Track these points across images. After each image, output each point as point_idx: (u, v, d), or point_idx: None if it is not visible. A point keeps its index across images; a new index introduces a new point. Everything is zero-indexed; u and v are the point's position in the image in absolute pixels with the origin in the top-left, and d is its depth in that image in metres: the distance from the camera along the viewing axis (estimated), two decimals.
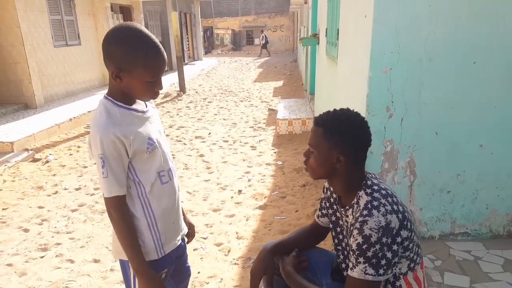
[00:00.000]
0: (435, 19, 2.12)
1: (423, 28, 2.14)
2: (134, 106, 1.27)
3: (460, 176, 2.39)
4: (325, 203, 1.52)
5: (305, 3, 9.32)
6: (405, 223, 1.18)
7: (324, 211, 1.53)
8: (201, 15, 21.76)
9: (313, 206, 3.27)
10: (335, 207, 1.44)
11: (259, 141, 5.51)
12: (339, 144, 1.23)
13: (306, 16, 8.64)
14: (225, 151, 5.07)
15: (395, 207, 1.19)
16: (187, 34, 18.00)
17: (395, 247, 1.16)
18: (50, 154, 5.00)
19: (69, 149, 5.30)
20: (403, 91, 2.23)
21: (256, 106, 8.09)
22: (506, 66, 2.20)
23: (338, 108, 1.30)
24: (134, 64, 1.14)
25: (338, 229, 1.43)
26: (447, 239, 2.52)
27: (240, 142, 5.49)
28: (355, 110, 1.30)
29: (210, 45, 27.43)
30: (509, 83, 2.23)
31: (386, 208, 1.17)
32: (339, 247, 1.44)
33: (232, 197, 3.63)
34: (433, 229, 2.51)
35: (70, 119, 6.34)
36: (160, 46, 1.20)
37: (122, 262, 1.37)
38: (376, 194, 1.22)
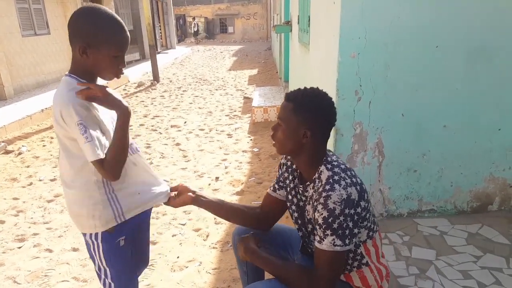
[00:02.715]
0: (398, 4, 2.21)
1: (388, 13, 2.22)
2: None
3: (426, 155, 2.51)
4: (281, 178, 1.57)
5: None
6: (363, 194, 1.27)
7: (281, 184, 1.57)
8: (173, 2, 21.32)
9: None
10: (292, 185, 1.49)
11: (235, 129, 5.56)
12: (307, 120, 1.28)
13: (279, 3, 8.67)
14: (202, 140, 5.10)
15: (353, 179, 1.27)
16: (159, 22, 17.65)
17: (356, 217, 1.24)
18: (22, 145, 4.88)
19: (42, 140, 5.19)
20: (370, 75, 2.32)
21: (232, 95, 8.11)
22: (466, 50, 2.32)
23: (308, 87, 1.37)
24: (102, 39, 1.21)
25: (294, 207, 1.48)
26: (415, 216, 2.64)
27: (216, 130, 5.53)
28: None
29: (183, 34, 26.96)
30: (470, 66, 2.34)
31: (346, 181, 1.24)
32: (298, 224, 1.50)
33: (209, 184, 3.68)
34: (402, 207, 2.63)
35: (42, 110, 6.18)
36: (124, 24, 1.27)
37: (85, 236, 1.38)
38: (336, 169, 1.28)
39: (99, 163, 1.21)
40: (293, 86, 5.46)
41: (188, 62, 14.44)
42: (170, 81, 10.09)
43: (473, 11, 2.26)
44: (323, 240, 1.23)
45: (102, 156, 1.21)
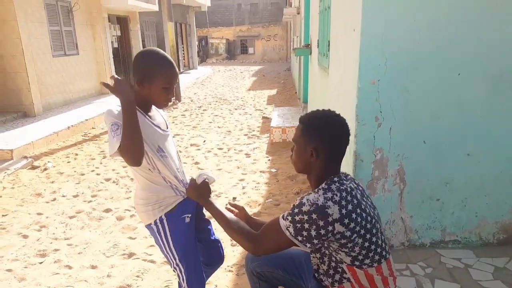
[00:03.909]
0: (419, 31, 2.22)
1: (408, 40, 2.23)
2: (156, 123, 1.61)
3: (449, 184, 2.45)
4: None
5: (298, 13, 9.48)
6: (345, 220, 1.23)
7: None
8: (196, 24, 21.95)
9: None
10: None
11: (254, 148, 5.58)
12: (313, 139, 1.33)
13: (299, 26, 8.78)
14: (220, 159, 5.14)
15: (343, 202, 1.25)
16: (183, 44, 18.16)
17: (323, 231, 1.23)
18: (48, 161, 5.04)
19: (67, 157, 5.35)
20: (390, 101, 2.31)
21: (250, 114, 8.19)
22: (490, 76, 2.29)
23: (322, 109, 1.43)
24: (154, 73, 1.50)
25: None
26: (438, 246, 2.55)
27: (234, 149, 5.56)
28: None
29: (205, 54, 27.62)
30: (494, 93, 2.31)
31: (334, 197, 1.25)
32: (312, 254, 1.48)
33: (226, 205, 3.68)
34: (424, 237, 2.55)
35: (68, 127, 6.39)
36: (173, 62, 1.56)
37: (150, 227, 1.66)
38: (333, 186, 1.29)
39: (112, 156, 1.47)
40: (312, 107, 5.47)
41: (209, 82, 14.73)
42: (191, 100, 10.29)
43: (494, 37, 2.24)
44: (284, 218, 1.30)
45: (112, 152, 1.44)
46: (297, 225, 1.25)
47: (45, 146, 5.75)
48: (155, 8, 12.05)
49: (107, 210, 3.61)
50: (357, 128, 2.35)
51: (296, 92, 10.45)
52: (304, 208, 1.24)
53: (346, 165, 2.59)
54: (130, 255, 2.87)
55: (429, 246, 2.57)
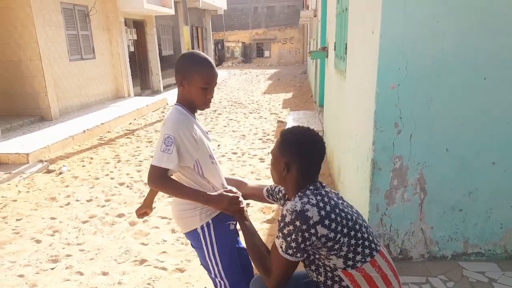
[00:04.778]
0: (443, 34, 2.12)
1: (431, 44, 2.13)
2: (204, 129, 1.70)
3: (472, 194, 2.34)
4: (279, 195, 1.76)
5: (315, 16, 9.40)
6: (326, 221, 1.27)
7: (277, 196, 1.76)
8: (212, 28, 22.10)
9: None
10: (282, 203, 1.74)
11: (268, 153, 5.51)
12: (285, 154, 1.40)
13: (316, 29, 8.70)
14: (234, 163, 5.09)
15: (321, 204, 1.30)
16: (199, 47, 18.28)
17: (306, 235, 1.25)
18: (63, 165, 5.09)
19: (82, 161, 5.39)
20: (411, 107, 2.21)
21: (265, 118, 8.12)
22: None
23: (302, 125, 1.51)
24: (193, 73, 1.55)
25: None
26: (460, 259, 2.45)
27: (249, 154, 5.51)
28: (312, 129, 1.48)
29: (221, 58, 27.76)
30: None
31: (310, 200, 1.30)
32: (307, 268, 1.50)
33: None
34: (445, 249, 2.45)
35: (84, 131, 6.46)
36: (213, 63, 1.61)
37: (190, 235, 1.67)
38: (307, 192, 1.36)
39: (153, 168, 1.50)
40: (328, 111, 5.37)
41: (225, 85, 14.75)
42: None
43: None
44: (277, 238, 1.36)
45: (162, 166, 1.48)
46: (287, 238, 1.29)
47: (61, 150, 5.81)
48: (171, 12, 12.14)
49: (120, 215, 3.60)
50: (375, 134, 2.26)
51: (312, 96, 10.34)
52: (287, 219, 1.28)
53: (363, 173, 2.50)
54: (142, 261, 2.83)
55: (450, 258, 2.46)
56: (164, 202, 3.86)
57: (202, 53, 1.62)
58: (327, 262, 1.34)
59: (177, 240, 3.16)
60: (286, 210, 1.30)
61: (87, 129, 6.57)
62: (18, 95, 7.25)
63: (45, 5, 7.41)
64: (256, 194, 1.87)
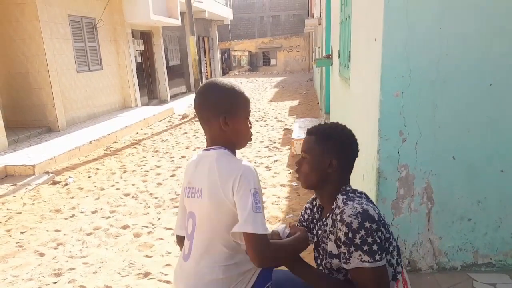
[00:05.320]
0: (446, 41, 2.07)
1: (434, 51, 2.09)
2: None
3: (481, 203, 2.27)
4: (304, 224, 1.55)
5: (319, 24, 9.41)
6: (381, 220, 1.20)
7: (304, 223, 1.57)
8: (219, 37, 22.29)
9: None
10: (315, 221, 1.48)
11: (274, 161, 5.47)
12: (331, 149, 1.32)
13: (320, 37, 8.69)
14: None
15: (371, 204, 1.24)
16: (205, 57, 18.42)
17: (380, 234, 1.16)
18: (69, 176, 5.11)
19: (88, 171, 5.41)
20: (416, 114, 2.16)
21: (272, 126, 8.09)
22: None
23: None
24: (237, 105, 1.29)
25: (319, 248, 1.44)
26: (469, 270, 2.38)
27: (255, 162, 5.47)
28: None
29: (228, 67, 27.93)
30: None
31: (361, 201, 1.23)
32: (321, 266, 1.44)
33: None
34: (454, 260, 2.38)
35: (90, 142, 6.50)
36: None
37: None
38: (351, 194, 1.30)
39: (261, 239, 1.13)
40: (333, 118, 5.33)
41: None
42: None
43: None
44: (349, 260, 1.16)
45: (269, 232, 1.17)
46: (364, 247, 1.13)
47: (67, 161, 5.85)
48: (178, 22, 12.28)
49: (125, 227, 3.58)
50: (380, 143, 2.21)
51: (318, 103, 10.30)
52: (354, 225, 1.15)
53: (368, 183, 2.44)
54: (146, 274, 2.80)
55: (460, 269, 2.39)
56: (169, 213, 3.84)
57: (222, 79, 1.36)
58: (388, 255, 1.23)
59: None
60: (349, 216, 1.15)
61: (94, 140, 6.61)
62: (26, 107, 7.35)
63: (53, 17, 7.54)
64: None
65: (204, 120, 1.29)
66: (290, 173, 4.89)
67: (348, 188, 1.33)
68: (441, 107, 2.15)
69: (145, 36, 11.92)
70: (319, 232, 1.42)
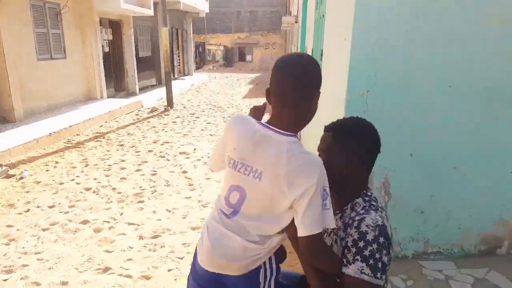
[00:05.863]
0: (412, 43, 2.15)
1: (400, 52, 2.16)
2: None
3: (434, 197, 2.40)
4: None
5: (296, 22, 9.44)
6: (392, 239, 1.15)
7: None
8: (194, 30, 21.93)
9: None
10: None
11: None
12: (348, 145, 1.20)
13: (296, 35, 8.74)
14: None
15: (388, 219, 1.16)
16: (178, 50, 18.08)
17: (391, 254, 1.10)
18: (25, 170, 4.86)
19: (46, 165, 5.17)
20: (379, 113, 2.23)
21: None
22: (480, 90, 2.23)
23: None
24: (321, 84, 1.16)
25: None
26: (420, 258, 2.53)
27: None
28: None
29: (202, 61, 27.58)
30: (484, 107, 2.26)
31: (382, 214, 1.14)
32: None
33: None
34: (407, 249, 2.51)
35: (50, 134, 6.21)
36: None
37: (253, 274, 1.24)
38: (373, 203, 1.20)
39: (319, 238, 1.11)
40: None
41: (204, 88, 14.62)
42: (184, 107, 10.16)
43: (489, 50, 2.18)
44: (350, 264, 1.10)
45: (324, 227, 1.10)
46: (370, 261, 1.07)
47: (24, 153, 5.56)
48: (150, 12, 11.95)
49: (84, 222, 3.45)
50: None
51: None
52: (369, 237, 1.08)
53: None
54: (105, 269, 2.72)
55: (411, 258, 2.54)
56: (132, 208, 3.75)
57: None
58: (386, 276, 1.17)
59: (145, 246, 3.05)
60: (367, 226, 1.09)
61: (54, 132, 6.32)
62: None
63: (11, 0, 7.10)
64: None
65: (291, 98, 1.11)
66: None
67: (369, 193, 1.23)
68: (403, 107, 2.24)
69: (115, 25, 11.52)
70: None
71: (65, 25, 8.88)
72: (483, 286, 2.23)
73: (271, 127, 1.14)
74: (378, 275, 1.07)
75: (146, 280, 2.61)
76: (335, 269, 1.15)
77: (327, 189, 1.10)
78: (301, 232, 1.09)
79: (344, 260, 1.13)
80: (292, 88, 1.10)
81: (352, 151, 1.19)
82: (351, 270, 1.09)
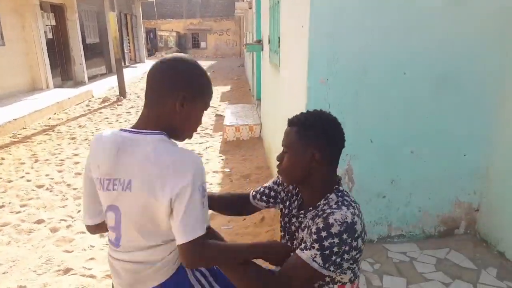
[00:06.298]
0: (369, 31, 2.20)
1: (358, 40, 2.21)
2: None
3: (395, 181, 2.51)
4: (272, 193, 1.47)
5: (250, 8, 9.36)
6: (363, 234, 1.16)
7: (266, 198, 1.47)
8: (144, 16, 21.02)
9: (261, 213, 3.25)
10: (287, 211, 1.38)
11: (206, 148, 5.40)
12: (313, 140, 1.19)
13: (251, 21, 8.68)
14: None
15: (360, 214, 1.17)
16: (128, 36, 17.29)
17: (353, 252, 1.12)
18: None
19: None
20: (340, 100, 2.28)
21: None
22: (434, 77, 2.34)
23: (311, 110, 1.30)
24: (202, 91, 1.13)
25: (286, 233, 1.38)
26: (384, 241, 2.63)
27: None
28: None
29: (154, 47, 26.61)
30: (438, 93, 2.37)
31: (355, 211, 1.14)
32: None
33: None
34: (372, 233, 2.60)
35: None
36: None
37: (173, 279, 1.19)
38: (346, 198, 1.20)
39: (204, 237, 1.04)
40: (265, 105, 5.40)
41: None
42: (138, 97, 9.79)
43: (438, 37, 2.28)
44: (306, 250, 1.11)
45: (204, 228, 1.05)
46: (325, 252, 1.09)
47: None
48: None
49: (39, 221, 3.25)
50: None
51: (250, 89, 10.34)
52: (333, 230, 1.09)
53: None
54: (66, 270, 2.60)
55: (376, 241, 2.63)
56: None
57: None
58: (338, 275, 1.18)
59: (106, 244, 2.95)
60: (335, 220, 1.10)
61: None
62: None
63: None
64: (230, 203, 1.56)
65: (156, 92, 1.09)
66: (222, 159, 4.88)
67: (341, 188, 1.24)
68: (362, 93, 2.30)
69: (57, 10, 10.73)
70: (288, 218, 1.37)
71: (0, 9, 8.13)
72: (445, 265, 2.36)
73: (137, 130, 1.09)
74: (328, 265, 1.09)
75: (111, 279, 2.52)
76: (238, 260, 1.15)
77: (205, 186, 1.06)
78: (182, 239, 1.01)
79: (303, 244, 1.15)
80: (151, 88, 1.10)
81: (316, 146, 1.19)
82: (305, 255, 1.11)
